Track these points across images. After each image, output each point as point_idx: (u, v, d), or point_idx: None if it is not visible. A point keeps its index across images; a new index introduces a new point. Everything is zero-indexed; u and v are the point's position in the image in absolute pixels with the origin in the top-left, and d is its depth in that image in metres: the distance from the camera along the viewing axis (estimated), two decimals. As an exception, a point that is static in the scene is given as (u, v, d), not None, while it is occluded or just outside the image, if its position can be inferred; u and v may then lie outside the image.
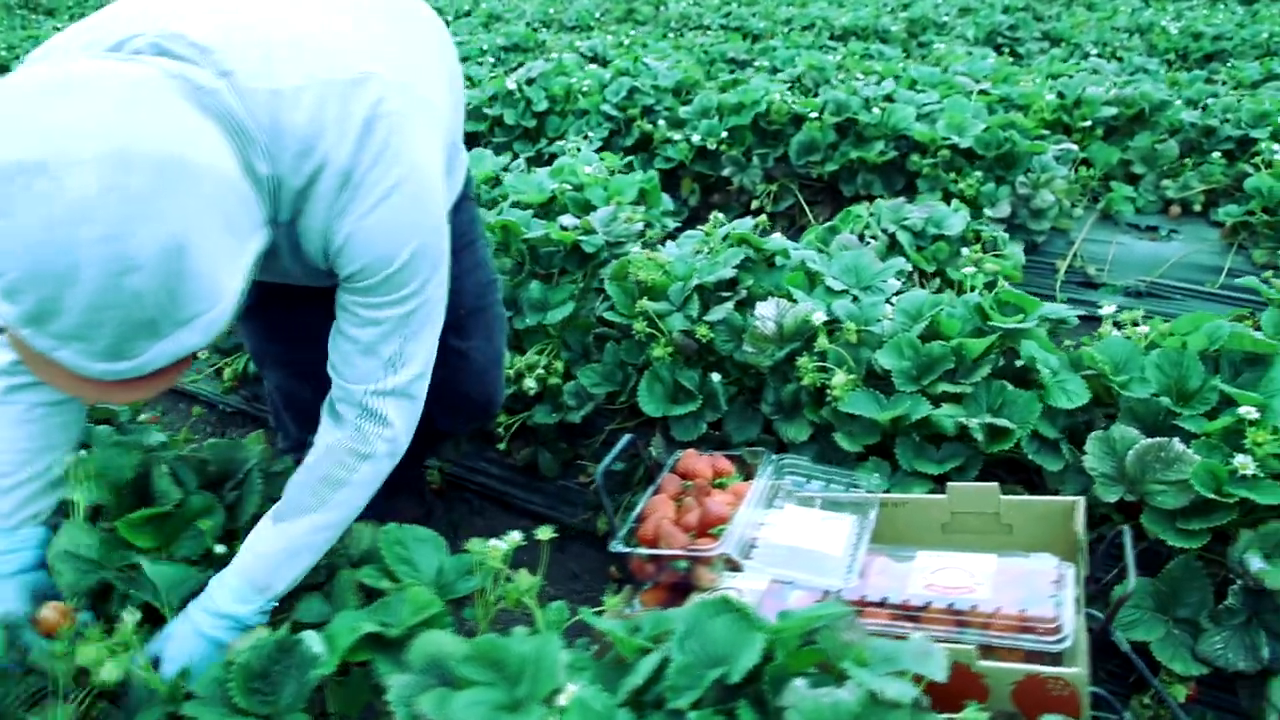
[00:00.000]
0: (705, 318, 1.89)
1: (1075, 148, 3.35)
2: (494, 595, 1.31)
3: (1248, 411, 1.52)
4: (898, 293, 1.98)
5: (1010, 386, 1.73)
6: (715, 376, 1.92)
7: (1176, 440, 1.55)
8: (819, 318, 1.78)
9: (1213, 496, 1.48)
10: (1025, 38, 6.35)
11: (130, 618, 1.14)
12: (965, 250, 2.39)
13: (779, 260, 2.08)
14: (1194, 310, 3.08)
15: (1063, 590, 1.33)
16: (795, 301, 1.86)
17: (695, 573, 1.48)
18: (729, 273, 1.96)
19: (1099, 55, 5.87)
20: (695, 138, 3.60)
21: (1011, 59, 5.58)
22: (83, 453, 1.33)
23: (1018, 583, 1.34)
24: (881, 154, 3.35)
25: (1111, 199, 3.32)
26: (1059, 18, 7.69)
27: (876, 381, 1.81)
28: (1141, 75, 4.88)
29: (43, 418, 1.22)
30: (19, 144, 0.84)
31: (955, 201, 2.43)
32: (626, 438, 1.68)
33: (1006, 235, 2.51)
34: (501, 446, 2.19)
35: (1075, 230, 3.34)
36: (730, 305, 1.90)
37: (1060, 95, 3.72)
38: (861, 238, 2.39)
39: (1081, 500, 1.50)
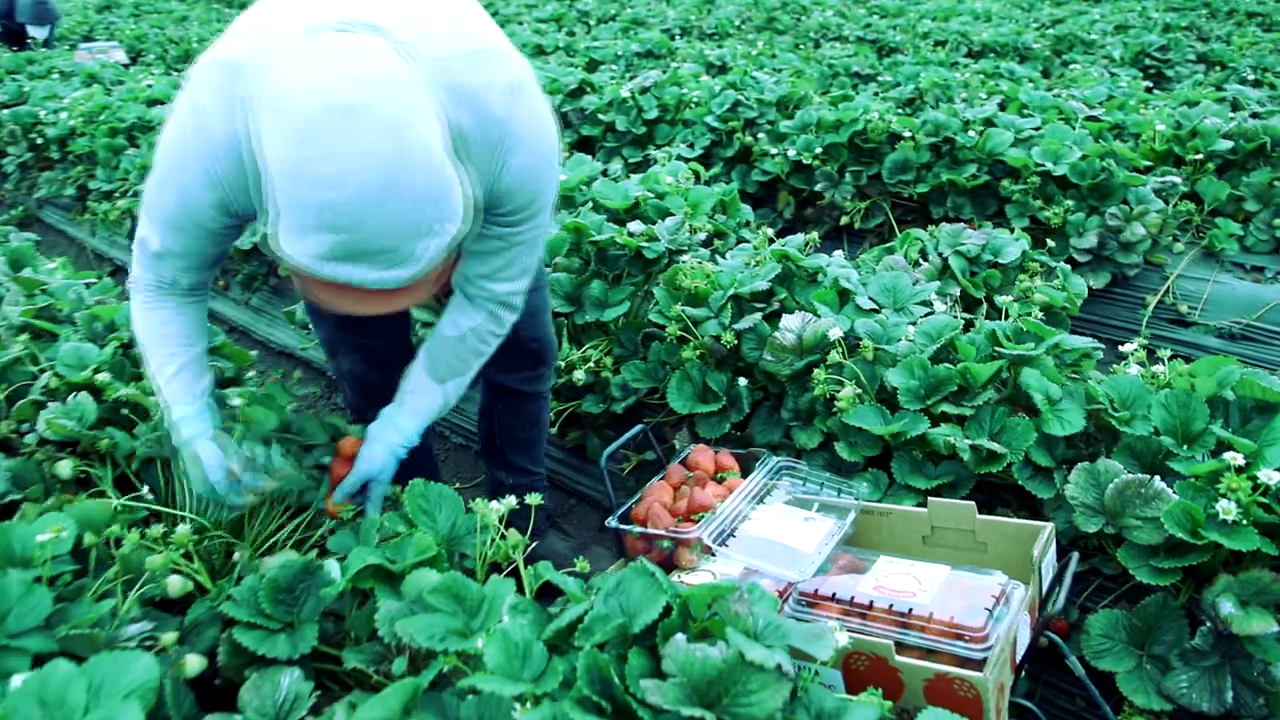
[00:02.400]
0: (734, 325, 2.04)
1: (1179, 180, 3.25)
2: (490, 550, 1.52)
3: (1233, 458, 1.53)
4: (927, 314, 2.07)
5: (1015, 413, 1.79)
6: (742, 381, 2.06)
7: (1157, 479, 1.59)
8: (835, 333, 1.90)
9: (1185, 538, 1.52)
10: (1176, 60, 6.05)
11: (184, 528, 1.43)
12: (1024, 277, 2.42)
13: (820, 278, 2.20)
14: (1290, 357, 2.97)
15: (1005, 606, 1.42)
16: (819, 316, 1.98)
17: (677, 553, 1.64)
18: (763, 285, 2.09)
19: (1257, 80, 5.53)
20: (791, 152, 3.71)
21: (1149, 82, 5.35)
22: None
23: (961, 593, 1.43)
24: (972, 178, 3.36)
25: (1214, 235, 3.21)
26: (1229, 38, 7.26)
27: (888, 398, 1.91)
28: (1292, 106, 4.60)
29: (186, 316, 1.57)
30: (334, 90, 1.11)
31: (1018, 230, 2.44)
32: (637, 427, 1.86)
33: (1068, 267, 2.51)
34: (553, 430, 2.41)
35: (1171, 265, 3.25)
36: (759, 315, 2.04)
37: (1178, 125, 3.60)
38: (917, 263, 2.46)
39: (1049, 526, 1.56)
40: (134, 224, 3.30)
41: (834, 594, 1.47)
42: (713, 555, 1.63)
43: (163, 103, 4.93)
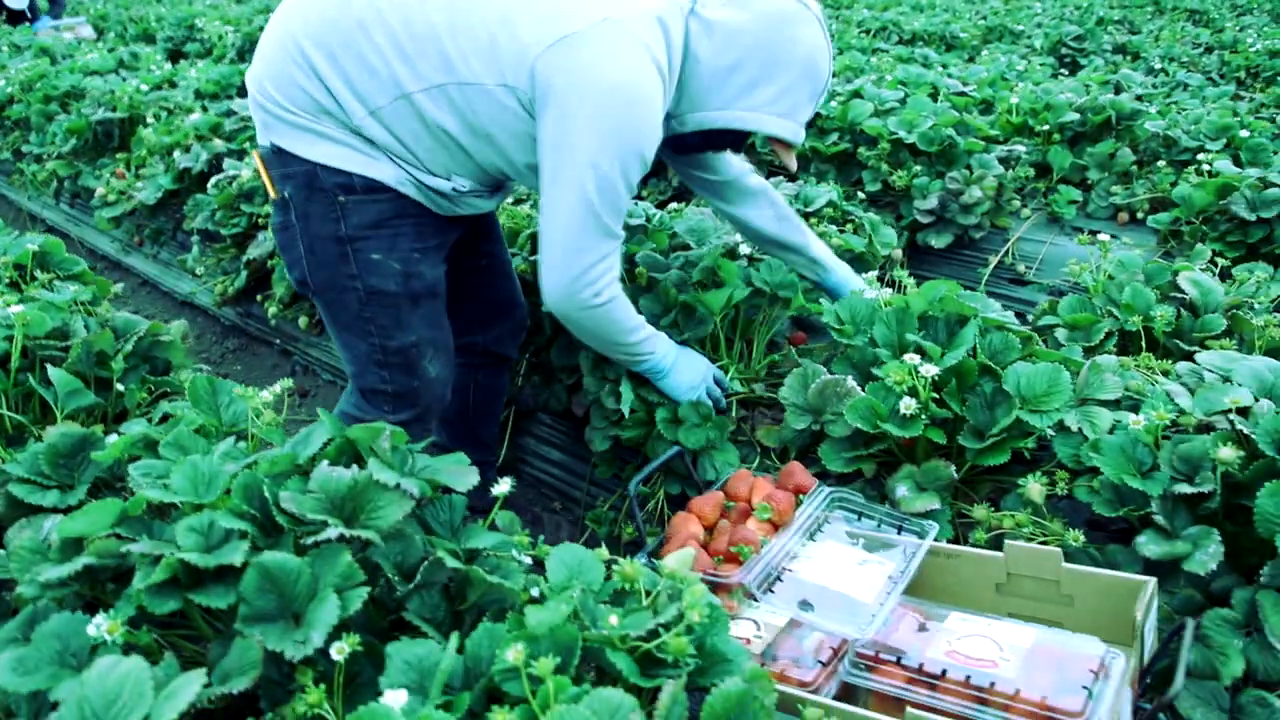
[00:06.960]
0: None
1: (1023, 150, 3.46)
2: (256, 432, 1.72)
3: (911, 359, 1.74)
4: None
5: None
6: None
7: (849, 378, 1.80)
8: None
9: (867, 429, 1.72)
10: (1092, 49, 6.26)
11: None
12: (834, 228, 2.63)
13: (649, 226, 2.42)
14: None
15: (1105, 682, 1.17)
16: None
17: (717, 597, 1.38)
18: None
19: (1164, 69, 5.75)
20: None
21: (1065, 70, 5.56)
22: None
23: (1052, 664, 1.20)
24: (833, 145, 3.57)
25: (1054, 201, 3.42)
26: (1159, 32, 7.47)
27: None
28: (1179, 91, 4.82)
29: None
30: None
31: (831, 183, 2.65)
32: (673, 449, 1.82)
33: (876, 218, 2.71)
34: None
35: (1016, 229, 3.46)
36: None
37: (1037, 100, 3.81)
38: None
39: (1152, 581, 1.34)
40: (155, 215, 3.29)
41: (899, 658, 1.25)
42: (757, 601, 1.42)
43: (101, 74, 5.13)
